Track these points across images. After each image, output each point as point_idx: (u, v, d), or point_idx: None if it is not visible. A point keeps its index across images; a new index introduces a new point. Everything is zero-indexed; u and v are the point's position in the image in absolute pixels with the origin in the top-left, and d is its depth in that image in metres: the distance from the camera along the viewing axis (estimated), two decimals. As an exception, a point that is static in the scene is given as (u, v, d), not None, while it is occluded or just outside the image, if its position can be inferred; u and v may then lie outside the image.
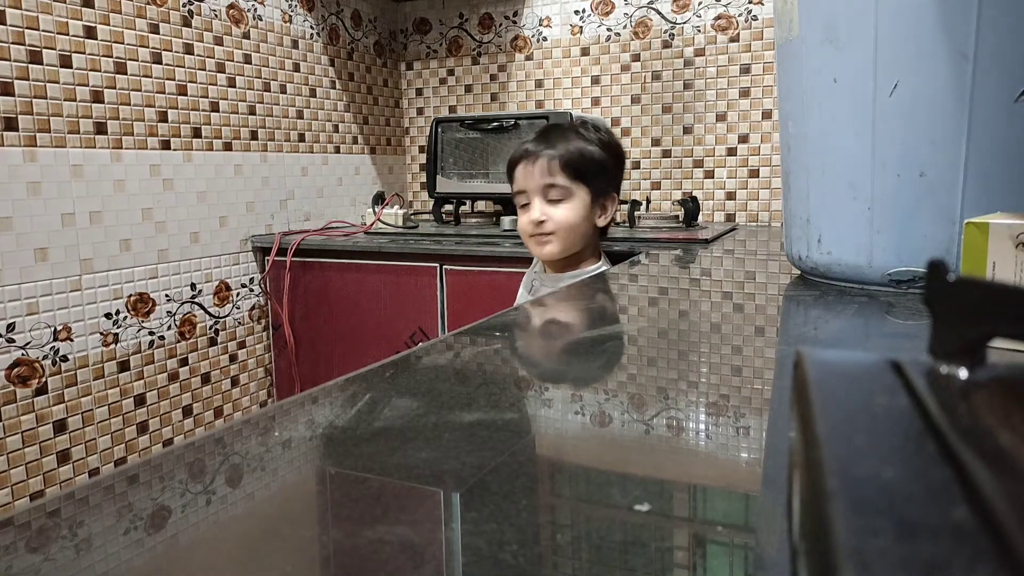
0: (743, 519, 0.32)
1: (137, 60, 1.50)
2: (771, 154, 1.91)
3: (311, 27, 1.96)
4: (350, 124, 2.13)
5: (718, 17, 1.93)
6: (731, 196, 1.97)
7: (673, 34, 1.98)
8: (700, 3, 1.94)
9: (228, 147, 1.72)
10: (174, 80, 1.58)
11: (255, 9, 1.78)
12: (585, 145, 1.24)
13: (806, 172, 0.86)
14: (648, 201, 1.92)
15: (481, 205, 2.11)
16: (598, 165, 1.25)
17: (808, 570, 0.15)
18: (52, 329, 1.36)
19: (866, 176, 0.78)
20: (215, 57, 1.68)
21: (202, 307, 1.67)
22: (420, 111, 2.34)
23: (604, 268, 1.25)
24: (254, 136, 1.79)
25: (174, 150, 1.58)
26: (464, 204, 2.01)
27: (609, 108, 2.07)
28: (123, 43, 1.47)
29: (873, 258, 0.79)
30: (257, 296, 1.82)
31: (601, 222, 1.27)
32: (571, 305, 0.79)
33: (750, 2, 1.89)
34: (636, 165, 2.06)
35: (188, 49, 1.61)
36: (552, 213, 1.22)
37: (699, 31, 1.95)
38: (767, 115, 1.91)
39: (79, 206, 1.39)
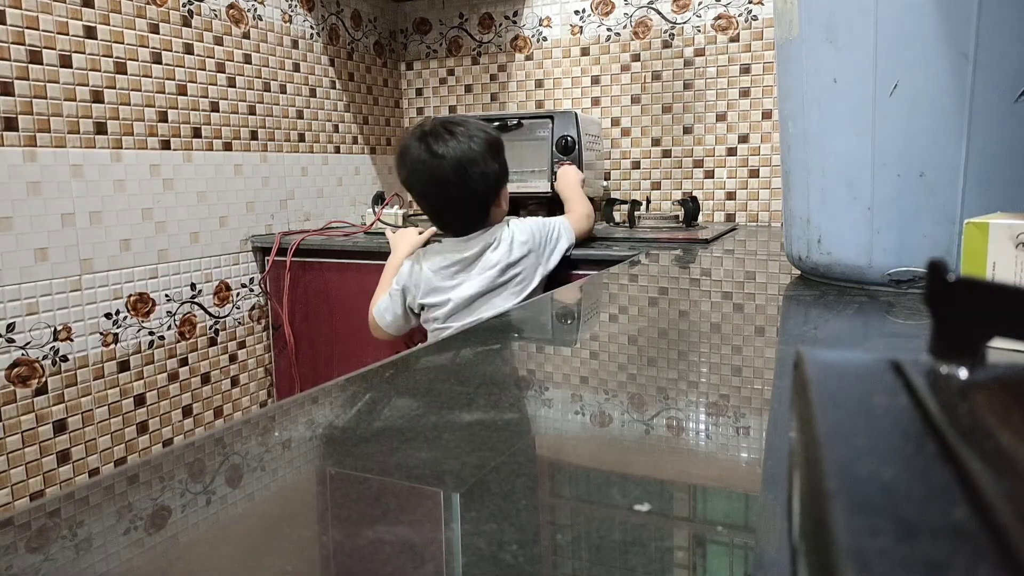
0: (743, 519, 0.32)
1: (137, 60, 1.50)
2: (771, 154, 1.91)
3: (311, 27, 1.96)
4: (350, 124, 2.13)
5: (718, 17, 1.93)
6: (731, 196, 1.97)
7: (673, 34, 1.97)
8: (700, 3, 1.94)
9: (228, 147, 1.71)
10: (174, 80, 1.58)
11: (255, 9, 1.78)
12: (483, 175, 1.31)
13: (806, 172, 0.86)
14: (648, 201, 1.91)
15: (481, 205, 2.10)
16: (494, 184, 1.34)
17: (808, 570, 0.15)
18: (52, 329, 1.36)
19: (866, 176, 0.78)
20: (215, 57, 1.68)
21: (202, 307, 1.67)
22: (420, 111, 2.34)
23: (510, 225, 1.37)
24: (254, 136, 1.79)
25: (174, 150, 1.58)
26: (464, 204, 2.01)
27: (609, 108, 2.07)
28: (123, 43, 1.47)
29: (873, 258, 0.79)
30: (257, 296, 1.82)
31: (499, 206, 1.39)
32: (571, 305, 0.79)
33: (750, 2, 1.89)
34: (636, 165, 2.06)
35: (188, 49, 1.61)
36: None
37: (699, 31, 1.95)
38: (767, 115, 1.91)
39: (79, 206, 1.39)
